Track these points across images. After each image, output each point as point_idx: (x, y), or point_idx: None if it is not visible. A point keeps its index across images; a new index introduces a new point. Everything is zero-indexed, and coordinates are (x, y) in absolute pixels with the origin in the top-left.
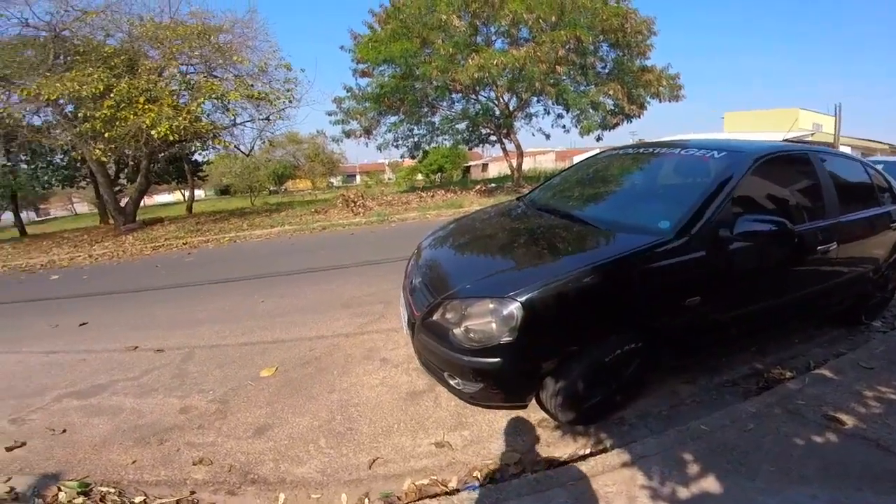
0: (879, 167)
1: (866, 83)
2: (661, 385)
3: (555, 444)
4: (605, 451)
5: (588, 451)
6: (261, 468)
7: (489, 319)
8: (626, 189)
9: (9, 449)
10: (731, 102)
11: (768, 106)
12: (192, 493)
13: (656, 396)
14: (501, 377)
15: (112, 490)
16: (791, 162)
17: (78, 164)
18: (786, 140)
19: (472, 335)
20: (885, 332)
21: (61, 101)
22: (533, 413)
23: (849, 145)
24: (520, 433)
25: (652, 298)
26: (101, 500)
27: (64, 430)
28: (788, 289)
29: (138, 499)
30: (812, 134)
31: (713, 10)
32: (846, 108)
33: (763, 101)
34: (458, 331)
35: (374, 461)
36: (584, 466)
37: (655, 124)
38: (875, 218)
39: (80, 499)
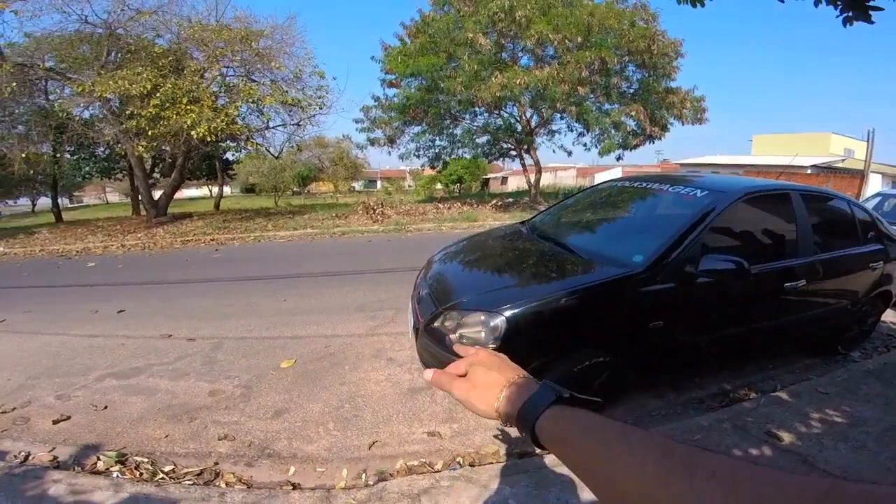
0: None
1: None
2: (633, 398)
3: (530, 440)
4: None
5: None
6: (276, 444)
7: (479, 329)
8: (614, 222)
9: (55, 422)
10: (763, 124)
11: (801, 129)
12: (216, 463)
13: (626, 408)
14: None
15: (145, 460)
16: (770, 200)
17: (118, 158)
18: (814, 166)
19: (464, 341)
20: (856, 363)
21: (110, 98)
22: None
23: (882, 172)
24: (501, 429)
25: (618, 321)
26: (135, 468)
27: (105, 407)
28: (754, 320)
29: (168, 468)
30: (843, 160)
31: (747, 34)
32: (885, 131)
33: (796, 124)
34: (453, 336)
35: (373, 443)
36: (546, 459)
37: (683, 144)
38: (852, 257)
39: (117, 467)
